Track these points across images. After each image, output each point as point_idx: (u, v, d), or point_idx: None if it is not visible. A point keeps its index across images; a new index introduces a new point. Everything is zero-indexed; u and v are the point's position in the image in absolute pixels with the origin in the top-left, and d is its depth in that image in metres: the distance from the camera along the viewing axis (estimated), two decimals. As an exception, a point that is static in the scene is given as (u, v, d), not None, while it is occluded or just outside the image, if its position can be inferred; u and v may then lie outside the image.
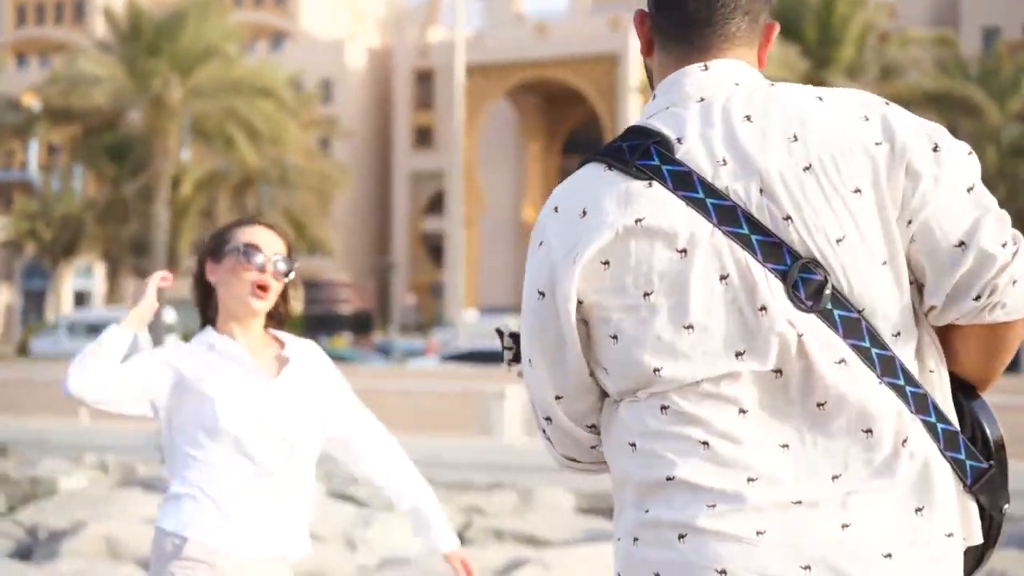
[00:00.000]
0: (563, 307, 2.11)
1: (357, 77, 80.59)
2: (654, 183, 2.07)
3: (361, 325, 57.49)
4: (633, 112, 67.69)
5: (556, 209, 2.15)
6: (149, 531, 12.55)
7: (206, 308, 3.65)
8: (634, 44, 68.09)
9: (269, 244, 3.59)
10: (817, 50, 34.80)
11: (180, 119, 48.14)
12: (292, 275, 3.62)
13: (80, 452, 15.78)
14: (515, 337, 2.38)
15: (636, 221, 2.08)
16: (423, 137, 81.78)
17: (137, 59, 48.50)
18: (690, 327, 2.06)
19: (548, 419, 2.24)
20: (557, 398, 2.19)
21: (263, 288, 3.54)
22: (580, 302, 2.11)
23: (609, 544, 10.86)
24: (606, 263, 2.09)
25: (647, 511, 2.08)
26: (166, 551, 3.54)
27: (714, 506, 2.04)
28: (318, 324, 56.04)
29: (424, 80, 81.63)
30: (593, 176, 2.13)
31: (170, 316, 43.59)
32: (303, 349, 3.67)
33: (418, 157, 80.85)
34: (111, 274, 56.24)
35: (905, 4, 65.69)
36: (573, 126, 77.71)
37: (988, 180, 43.00)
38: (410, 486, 3.71)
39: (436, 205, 79.63)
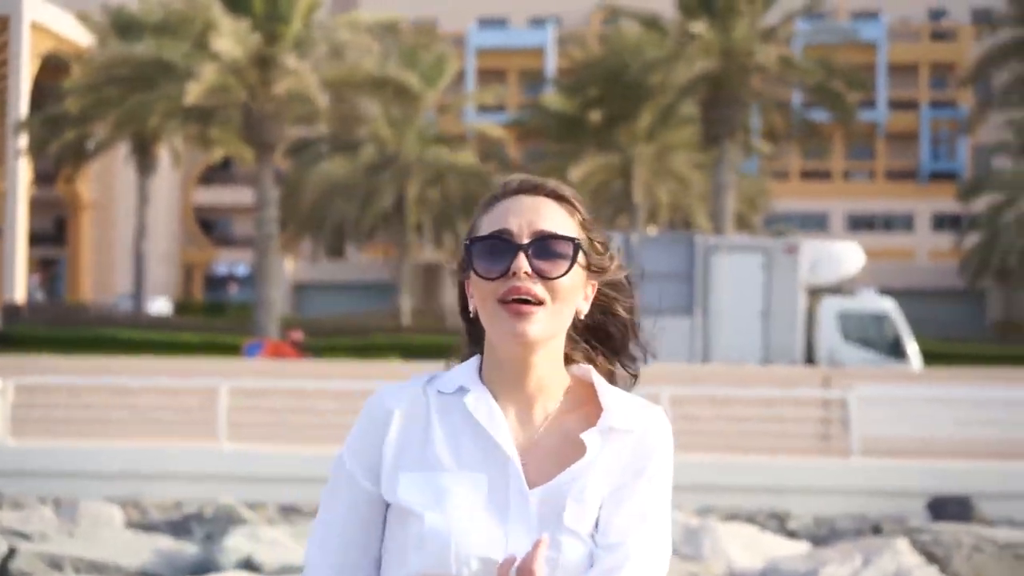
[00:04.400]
0: None
1: None
2: None
3: None
4: (25, 78, 63.10)
5: None
6: None
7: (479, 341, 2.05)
8: (29, 7, 63.66)
9: (528, 220, 1.98)
10: (266, 24, 33.85)
11: None
12: (578, 260, 1.97)
13: None
14: None
15: None
16: None
17: None
18: None
19: None
20: None
21: (518, 302, 1.93)
22: None
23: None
24: None
25: None
26: None
27: None
28: None
29: None
30: None
31: None
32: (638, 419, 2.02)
33: None
34: None
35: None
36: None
37: (411, 165, 43.31)
38: None
39: None
